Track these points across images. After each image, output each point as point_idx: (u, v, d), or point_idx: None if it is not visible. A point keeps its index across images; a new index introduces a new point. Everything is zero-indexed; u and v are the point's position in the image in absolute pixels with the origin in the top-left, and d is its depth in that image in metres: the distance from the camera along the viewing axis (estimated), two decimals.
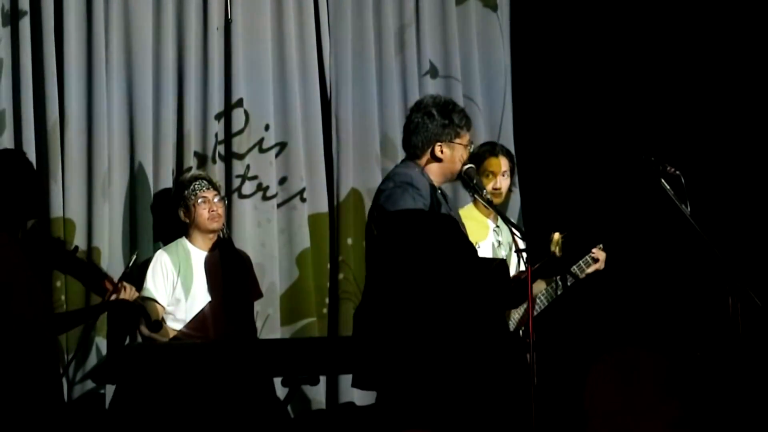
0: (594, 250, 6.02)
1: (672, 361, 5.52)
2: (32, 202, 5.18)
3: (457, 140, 5.25)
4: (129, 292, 5.45)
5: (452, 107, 5.32)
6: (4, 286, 4.98)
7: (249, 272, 6.39)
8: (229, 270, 6.27)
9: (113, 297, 5.48)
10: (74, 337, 6.25)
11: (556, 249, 5.39)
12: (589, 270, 6.04)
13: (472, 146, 5.41)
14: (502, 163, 6.10)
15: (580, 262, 6.04)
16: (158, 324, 5.70)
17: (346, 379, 6.66)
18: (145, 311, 5.67)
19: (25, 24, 6.35)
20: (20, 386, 4.92)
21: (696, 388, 5.47)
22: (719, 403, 5.49)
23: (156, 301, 6.11)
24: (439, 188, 5.29)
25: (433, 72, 7.19)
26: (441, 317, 4.99)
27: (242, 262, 6.37)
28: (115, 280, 5.56)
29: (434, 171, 5.27)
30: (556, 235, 5.45)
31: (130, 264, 5.98)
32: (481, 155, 6.06)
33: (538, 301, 5.99)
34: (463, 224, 5.34)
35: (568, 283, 5.88)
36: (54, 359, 5.16)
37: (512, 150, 6.97)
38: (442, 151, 5.25)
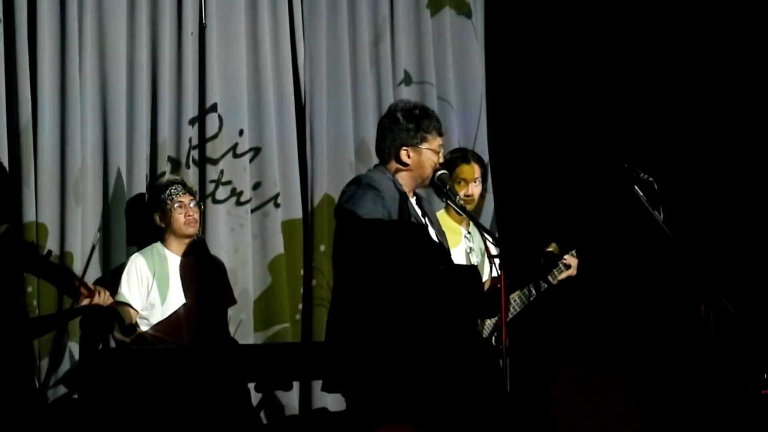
0: (566, 257, 6.03)
1: (640, 368, 5.52)
2: (4, 206, 5.17)
3: (424, 145, 5.20)
4: (103, 297, 5.43)
5: (419, 111, 5.25)
6: None
7: (223, 278, 6.39)
8: (204, 275, 6.27)
9: (86, 301, 5.46)
10: (47, 341, 6.22)
11: (554, 249, 5.49)
12: (561, 276, 6.04)
13: (442, 150, 5.36)
14: (475, 170, 6.10)
15: (553, 268, 6.05)
16: (132, 328, 5.70)
17: (319, 385, 6.65)
18: (119, 315, 5.66)
19: None
20: None
21: (666, 395, 5.48)
22: (689, 410, 5.50)
23: (130, 306, 6.10)
24: (416, 194, 5.27)
25: (408, 79, 7.20)
26: (399, 322, 5.00)
27: (216, 267, 6.36)
28: (90, 282, 5.55)
29: (404, 177, 5.22)
30: (554, 244, 5.54)
31: (95, 243, 5.92)
32: (452, 162, 6.04)
33: (510, 306, 6.00)
34: (442, 231, 5.33)
35: (541, 290, 5.91)
36: (28, 364, 5.15)
37: (486, 154, 7.01)
38: (408, 156, 5.20)
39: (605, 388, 5.46)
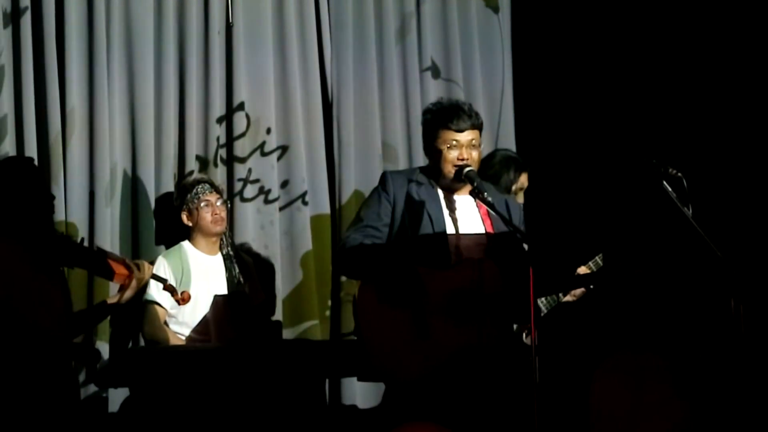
0: (581, 269, 6.04)
1: (678, 364, 5.52)
2: (40, 208, 5.22)
3: (436, 141, 5.35)
4: (143, 271, 5.43)
5: (434, 106, 5.44)
6: (6, 294, 5.02)
7: (251, 275, 6.40)
8: (232, 274, 6.28)
9: (128, 282, 5.47)
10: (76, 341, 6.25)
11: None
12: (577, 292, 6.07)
13: (454, 141, 5.38)
14: (527, 179, 6.25)
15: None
16: (187, 297, 5.75)
17: (348, 382, 6.67)
18: (172, 287, 5.69)
19: (26, 21, 6.32)
20: (29, 390, 4.95)
21: (703, 391, 5.47)
22: (727, 406, 5.48)
23: (159, 305, 6.12)
24: (477, 188, 5.27)
25: (435, 72, 7.19)
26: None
27: (244, 265, 6.38)
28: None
29: (434, 172, 5.37)
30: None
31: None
32: (511, 167, 6.20)
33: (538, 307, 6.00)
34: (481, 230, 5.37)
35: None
36: (68, 362, 5.19)
37: (514, 149, 7.01)
38: (428, 153, 5.42)
39: (644, 384, 5.46)
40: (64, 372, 5.15)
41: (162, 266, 6.18)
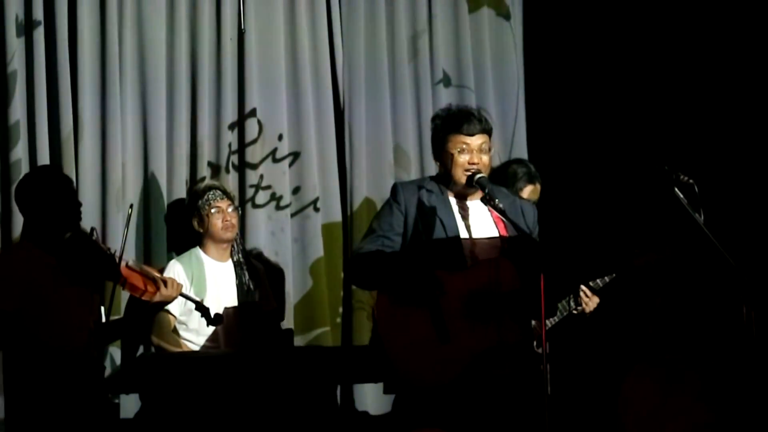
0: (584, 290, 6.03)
1: (707, 369, 5.52)
2: (70, 216, 5.24)
3: (446, 146, 5.31)
4: (170, 288, 5.42)
5: (444, 112, 5.40)
6: (22, 298, 5.03)
7: (262, 282, 6.40)
8: (242, 281, 6.28)
9: (155, 297, 5.48)
10: None
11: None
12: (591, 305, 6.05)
13: (483, 149, 5.37)
14: (538, 190, 6.21)
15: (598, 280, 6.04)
16: (219, 317, 5.75)
17: (360, 389, 6.67)
18: (207, 310, 5.69)
19: (39, 34, 6.36)
20: (34, 397, 4.97)
21: (731, 396, 5.48)
22: (754, 410, 5.48)
23: (168, 312, 6.12)
24: (488, 194, 5.26)
25: (446, 81, 7.19)
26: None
27: (255, 271, 6.38)
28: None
29: (444, 178, 5.35)
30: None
31: (129, 215, 5.85)
32: (519, 179, 6.20)
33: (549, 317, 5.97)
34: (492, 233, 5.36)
35: (579, 307, 5.94)
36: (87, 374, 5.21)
37: (525, 157, 7.01)
38: (437, 159, 5.38)
39: (673, 389, 5.46)
40: (80, 384, 5.17)
41: (173, 272, 6.17)
